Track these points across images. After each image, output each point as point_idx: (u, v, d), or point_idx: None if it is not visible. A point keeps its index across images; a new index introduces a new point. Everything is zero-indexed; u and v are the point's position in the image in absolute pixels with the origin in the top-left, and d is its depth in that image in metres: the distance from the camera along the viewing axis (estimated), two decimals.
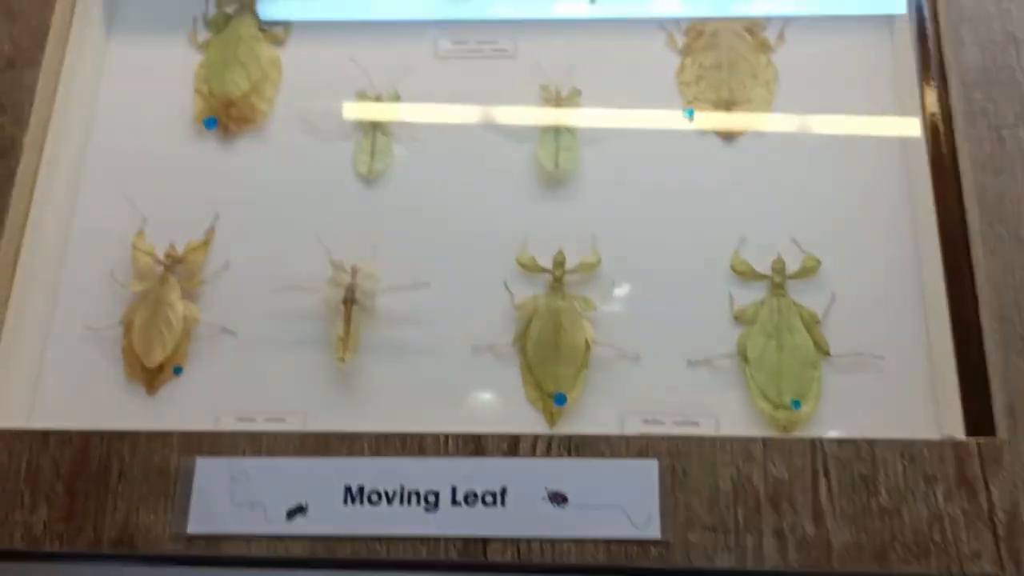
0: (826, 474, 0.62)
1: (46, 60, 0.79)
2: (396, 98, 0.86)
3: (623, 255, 0.79)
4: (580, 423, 0.74)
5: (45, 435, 0.67)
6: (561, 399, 0.73)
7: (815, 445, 0.62)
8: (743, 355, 0.75)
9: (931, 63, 0.76)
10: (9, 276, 0.76)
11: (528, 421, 0.74)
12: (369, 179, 0.83)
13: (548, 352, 0.75)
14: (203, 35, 0.90)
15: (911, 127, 0.79)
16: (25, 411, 0.76)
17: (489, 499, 0.63)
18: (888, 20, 0.86)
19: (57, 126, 0.81)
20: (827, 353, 0.74)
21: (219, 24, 0.90)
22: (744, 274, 0.77)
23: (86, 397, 0.77)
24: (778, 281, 0.76)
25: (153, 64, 0.89)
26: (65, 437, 0.67)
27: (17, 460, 0.66)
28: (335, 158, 0.84)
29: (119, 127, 0.86)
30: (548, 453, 0.64)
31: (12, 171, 0.75)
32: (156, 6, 0.91)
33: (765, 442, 0.63)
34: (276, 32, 0.90)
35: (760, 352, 0.74)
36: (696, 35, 0.87)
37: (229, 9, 0.91)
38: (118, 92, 0.88)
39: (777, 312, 0.76)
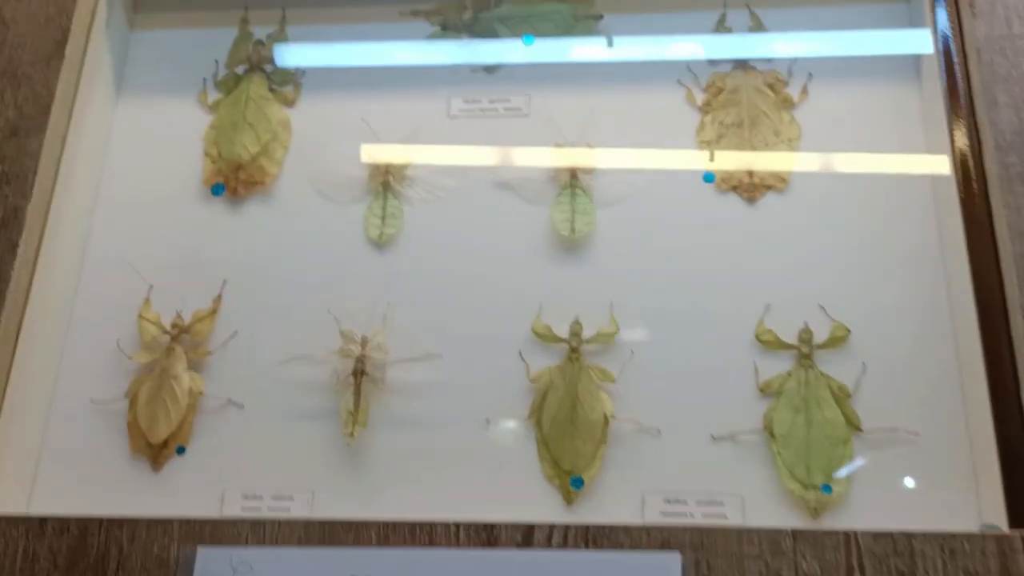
0: (861, 570, 0.58)
1: (51, 127, 0.78)
2: (408, 160, 0.84)
3: (642, 323, 0.76)
4: (599, 502, 0.71)
5: (42, 522, 0.65)
6: (578, 482, 0.70)
7: (849, 538, 0.59)
8: (770, 430, 0.71)
9: (963, 124, 0.73)
10: (11, 348, 0.74)
11: (544, 500, 0.71)
12: (380, 243, 0.81)
13: (565, 427, 0.72)
14: (213, 95, 0.88)
15: (945, 186, 0.75)
16: (27, 485, 0.74)
17: None
18: (915, 69, 0.83)
19: (62, 194, 0.79)
20: (859, 428, 0.71)
21: (229, 85, 0.88)
22: (769, 344, 0.74)
23: (89, 473, 0.75)
24: (805, 352, 0.73)
25: (162, 126, 0.87)
26: (63, 524, 0.64)
27: (13, 548, 0.64)
28: (346, 222, 0.82)
29: (126, 192, 0.85)
30: (564, 544, 0.60)
31: (15, 242, 0.74)
32: (166, 68, 0.90)
33: (795, 534, 0.59)
34: (286, 93, 0.88)
35: (788, 427, 0.71)
36: (716, 92, 0.84)
37: (239, 69, 0.89)
38: (126, 156, 0.86)
39: (805, 384, 0.72)
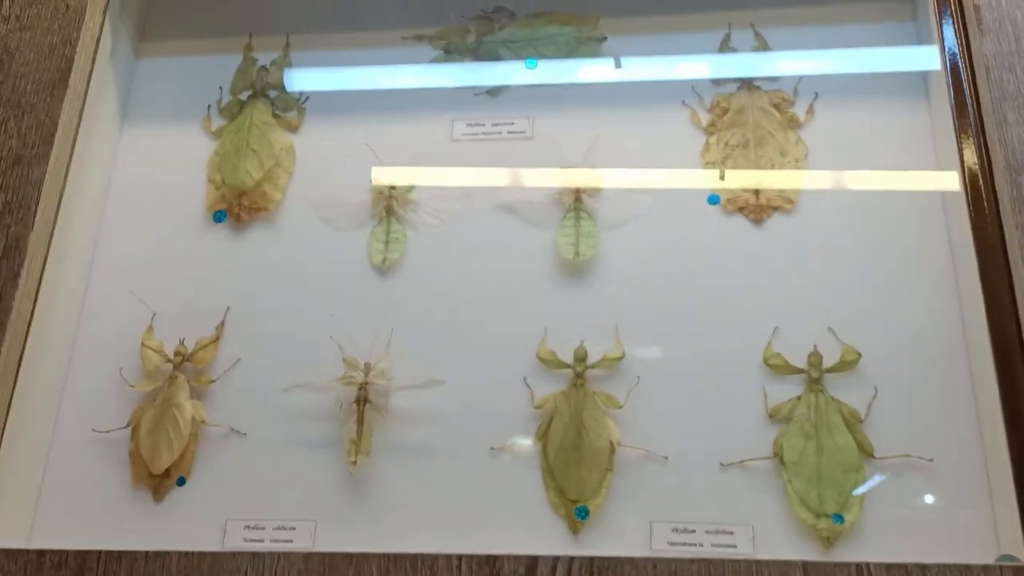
0: None
1: (54, 156, 0.77)
2: (411, 185, 0.83)
3: (648, 348, 0.75)
4: (605, 532, 0.69)
5: (40, 555, 0.64)
6: (584, 513, 0.69)
7: (862, 570, 0.57)
8: (780, 457, 0.70)
9: (973, 143, 0.72)
10: (12, 378, 0.73)
11: (550, 529, 0.70)
12: (383, 269, 0.80)
13: (570, 455, 0.71)
14: (217, 122, 0.88)
15: (956, 206, 0.74)
16: (28, 516, 0.74)
17: None
18: (923, 88, 0.81)
19: (64, 223, 0.79)
20: (871, 455, 0.69)
21: (233, 111, 0.88)
22: (778, 368, 0.73)
23: (91, 504, 0.74)
24: (815, 376, 0.72)
25: (166, 154, 0.87)
26: (61, 557, 0.64)
27: None
28: (349, 247, 0.82)
29: (129, 220, 0.85)
30: None
31: (16, 272, 0.73)
32: (171, 96, 0.90)
33: (806, 566, 0.58)
34: (290, 119, 0.88)
35: (798, 455, 0.69)
36: (721, 112, 0.83)
37: (243, 96, 0.89)
38: (129, 184, 0.86)
39: (815, 409, 0.71)
